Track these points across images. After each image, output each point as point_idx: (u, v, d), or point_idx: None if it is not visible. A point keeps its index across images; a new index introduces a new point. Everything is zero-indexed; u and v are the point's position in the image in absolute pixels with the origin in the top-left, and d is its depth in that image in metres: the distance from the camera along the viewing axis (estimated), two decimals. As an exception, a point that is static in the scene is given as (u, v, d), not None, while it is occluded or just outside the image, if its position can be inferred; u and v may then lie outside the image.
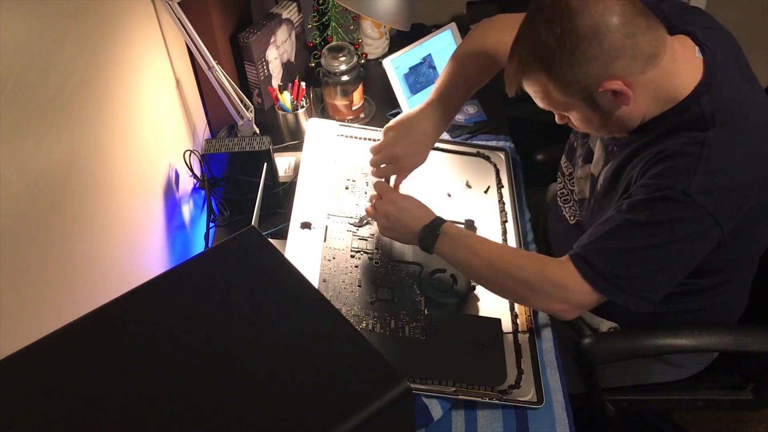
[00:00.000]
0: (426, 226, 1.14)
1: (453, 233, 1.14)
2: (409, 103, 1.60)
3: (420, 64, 1.62)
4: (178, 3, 1.22)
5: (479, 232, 1.33)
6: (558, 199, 1.35)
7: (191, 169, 1.39)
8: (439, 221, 1.14)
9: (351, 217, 1.31)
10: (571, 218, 1.30)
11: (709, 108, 0.99)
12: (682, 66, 1.01)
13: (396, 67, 1.59)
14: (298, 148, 1.50)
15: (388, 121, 1.27)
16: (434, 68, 1.64)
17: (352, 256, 1.24)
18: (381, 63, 1.60)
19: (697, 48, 1.04)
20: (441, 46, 1.65)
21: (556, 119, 1.11)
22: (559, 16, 0.94)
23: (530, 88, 1.03)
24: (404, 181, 1.28)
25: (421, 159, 1.27)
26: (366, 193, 1.36)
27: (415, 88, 1.62)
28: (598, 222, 1.07)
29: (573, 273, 1.03)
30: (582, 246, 1.05)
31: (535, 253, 1.29)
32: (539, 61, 0.97)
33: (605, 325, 1.27)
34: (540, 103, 1.05)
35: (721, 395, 1.31)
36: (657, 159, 1.01)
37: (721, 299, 1.20)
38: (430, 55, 1.63)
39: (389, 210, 1.17)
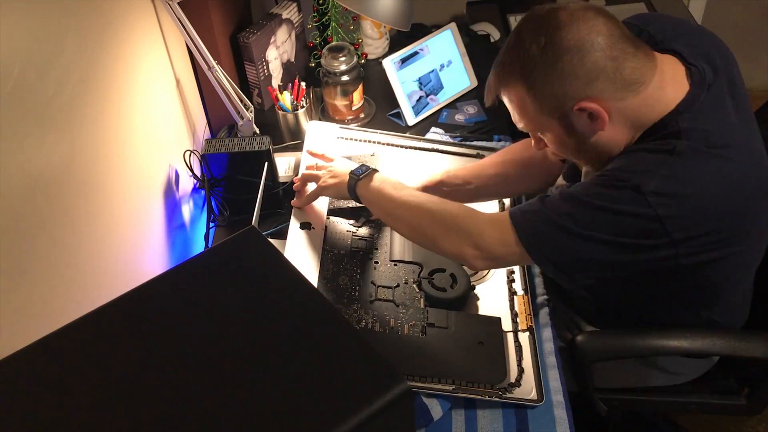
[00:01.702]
0: (353, 170, 1.19)
1: (377, 176, 1.17)
2: (410, 103, 1.61)
3: (421, 96, 1.63)
4: (178, 3, 1.22)
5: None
6: None
7: (191, 169, 1.39)
8: (365, 167, 1.19)
9: (351, 218, 1.31)
10: None
11: (686, 125, 0.95)
12: (668, 92, 0.97)
13: (395, 67, 1.58)
14: (298, 148, 1.50)
15: (389, 122, 1.29)
16: (435, 94, 1.65)
17: (352, 256, 1.24)
18: (381, 63, 1.60)
19: (684, 69, 1.00)
20: (440, 53, 1.65)
21: (533, 144, 1.09)
22: (546, 27, 0.93)
23: (508, 99, 1.02)
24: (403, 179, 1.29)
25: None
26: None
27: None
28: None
29: (507, 223, 1.01)
30: (530, 203, 1.02)
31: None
32: (519, 70, 0.96)
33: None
34: (516, 118, 1.03)
35: (715, 399, 1.31)
36: (624, 154, 1.00)
37: (715, 319, 1.19)
38: (435, 71, 1.64)
39: (328, 168, 1.26)
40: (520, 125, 1.04)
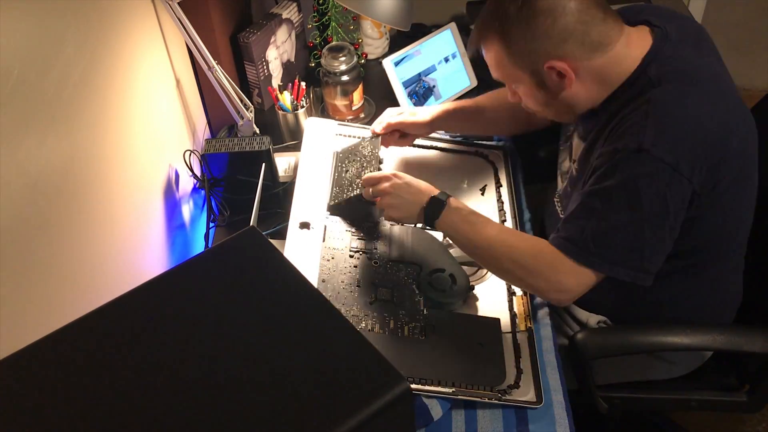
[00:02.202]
0: (434, 197, 1.15)
1: (458, 207, 1.15)
2: (410, 104, 1.61)
3: (416, 80, 1.62)
4: (178, 3, 1.22)
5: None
6: (555, 197, 1.37)
7: (191, 169, 1.39)
8: (446, 194, 1.16)
9: (350, 217, 1.31)
10: (562, 213, 1.31)
11: (655, 73, 1.03)
12: (633, 50, 1.06)
13: (395, 66, 1.59)
14: (298, 148, 1.50)
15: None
16: (432, 88, 1.65)
17: (351, 256, 1.24)
18: (381, 63, 1.60)
19: (650, 30, 1.08)
20: (440, 53, 1.65)
21: (509, 96, 1.18)
22: None
23: (487, 54, 1.11)
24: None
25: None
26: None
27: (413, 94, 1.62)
28: (571, 201, 1.10)
29: (560, 256, 1.05)
30: (562, 227, 1.07)
31: (532, 235, 1.22)
32: (497, 27, 1.06)
33: (593, 319, 1.28)
34: (493, 71, 1.13)
35: (715, 396, 1.31)
36: (612, 128, 1.06)
37: (701, 288, 1.20)
38: (433, 66, 1.64)
39: (397, 183, 1.18)
40: (495, 75, 1.14)
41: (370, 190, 1.21)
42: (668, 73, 1.03)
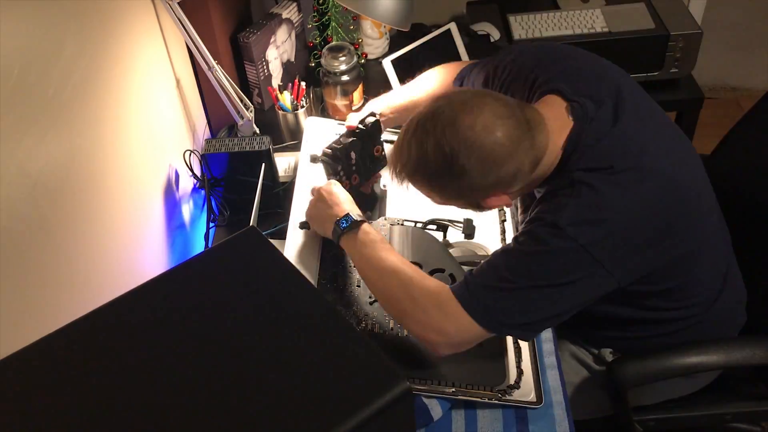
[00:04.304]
0: (347, 214, 1.12)
1: (368, 231, 1.11)
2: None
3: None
4: (178, 3, 1.22)
5: (478, 231, 1.33)
6: None
7: (191, 169, 1.39)
8: (357, 218, 1.12)
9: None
10: None
11: (581, 165, 0.99)
12: (556, 139, 1.01)
13: (395, 66, 1.59)
14: (297, 147, 1.50)
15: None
16: None
17: (352, 256, 1.24)
18: (381, 63, 1.60)
19: (566, 105, 1.02)
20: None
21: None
22: (451, 140, 0.95)
23: (413, 185, 1.05)
24: (396, 185, 1.25)
25: None
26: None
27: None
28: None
29: (452, 298, 1.00)
30: (466, 278, 1.02)
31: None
32: (426, 181, 1.01)
33: (606, 351, 1.26)
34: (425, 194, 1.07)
35: (750, 407, 1.28)
36: (540, 200, 1.04)
37: (701, 321, 1.18)
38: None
39: (321, 195, 1.17)
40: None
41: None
42: (591, 165, 0.99)
